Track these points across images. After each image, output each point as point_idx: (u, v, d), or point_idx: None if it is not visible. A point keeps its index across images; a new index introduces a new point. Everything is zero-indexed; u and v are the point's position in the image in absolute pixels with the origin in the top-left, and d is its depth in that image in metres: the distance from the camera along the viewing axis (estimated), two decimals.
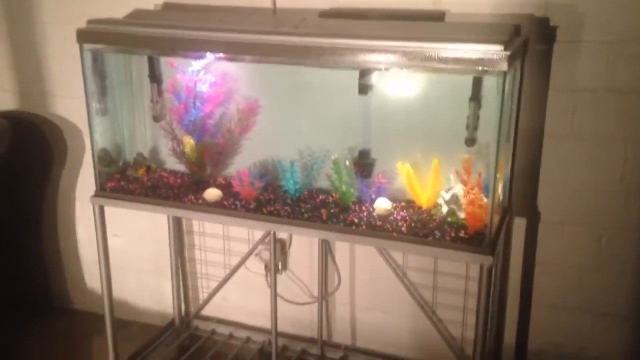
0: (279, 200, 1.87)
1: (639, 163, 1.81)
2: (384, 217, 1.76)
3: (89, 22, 1.82)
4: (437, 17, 1.84)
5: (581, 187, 1.89)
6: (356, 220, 1.74)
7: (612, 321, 1.98)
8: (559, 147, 1.88)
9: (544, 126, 1.87)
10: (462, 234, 1.65)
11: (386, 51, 1.53)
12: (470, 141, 1.73)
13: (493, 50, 1.45)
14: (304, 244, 2.26)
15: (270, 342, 2.10)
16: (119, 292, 2.51)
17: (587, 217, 1.91)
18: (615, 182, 1.85)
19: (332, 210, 1.80)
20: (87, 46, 1.87)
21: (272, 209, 1.82)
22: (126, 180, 2.01)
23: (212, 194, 1.89)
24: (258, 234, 2.27)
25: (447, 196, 1.71)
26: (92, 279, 2.63)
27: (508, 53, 1.44)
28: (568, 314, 2.01)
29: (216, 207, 1.86)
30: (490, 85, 1.57)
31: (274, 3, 1.97)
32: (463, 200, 1.67)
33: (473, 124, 1.71)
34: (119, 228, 2.49)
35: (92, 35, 1.83)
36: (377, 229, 1.71)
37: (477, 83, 1.68)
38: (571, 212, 1.92)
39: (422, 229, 1.69)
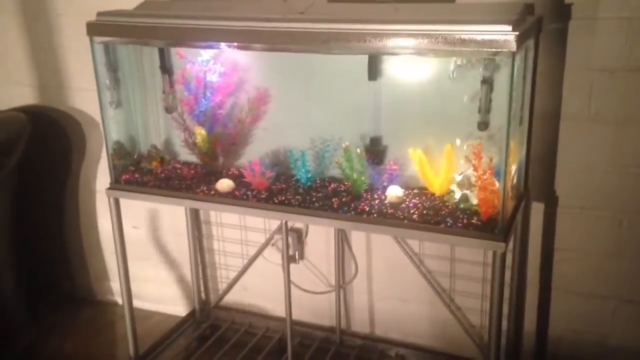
0: (290, 190, 1.86)
1: None
2: (396, 205, 1.73)
3: (99, 14, 1.83)
4: None
5: (600, 171, 1.83)
6: (367, 209, 1.72)
7: (634, 308, 1.92)
8: (577, 129, 1.82)
9: (560, 108, 1.81)
10: (474, 220, 1.61)
11: (393, 35, 1.50)
12: (483, 125, 1.69)
13: (501, 31, 1.41)
14: (320, 233, 2.25)
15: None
16: (140, 283, 2.54)
17: (607, 201, 1.85)
18: (636, 164, 1.78)
19: (343, 199, 1.78)
20: (97, 39, 1.87)
21: (283, 198, 1.81)
22: (140, 172, 2.03)
23: (224, 184, 1.89)
24: (274, 224, 2.26)
25: (459, 178, 1.68)
26: (114, 270, 2.66)
27: (517, 33, 1.39)
28: (589, 300, 1.96)
29: (228, 198, 1.86)
30: (502, 66, 1.53)
31: None
32: (475, 183, 1.63)
33: (485, 107, 1.67)
34: (139, 220, 2.51)
35: (102, 27, 1.83)
36: (389, 217, 1.68)
37: (489, 64, 1.63)
38: (590, 196, 1.86)
39: (434, 216, 1.66)
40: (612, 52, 1.72)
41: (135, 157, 2.10)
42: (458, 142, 1.72)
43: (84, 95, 2.41)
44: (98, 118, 2.42)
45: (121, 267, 2.06)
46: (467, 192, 1.68)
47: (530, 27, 1.58)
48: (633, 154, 1.78)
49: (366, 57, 1.77)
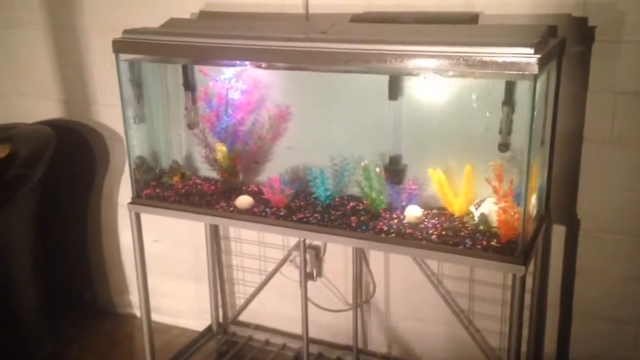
0: (309, 208, 1.86)
1: None
2: (415, 225, 1.73)
3: (125, 32, 1.86)
4: (470, 19, 1.80)
5: (623, 195, 1.80)
6: (386, 228, 1.72)
7: None
8: (599, 152, 1.80)
9: (583, 130, 1.80)
10: (494, 242, 1.60)
11: (413, 56, 1.51)
12: (504, 146, 1.68)
13: (523, 53, 1.40)
14: (338, 251, 2.25)
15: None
16: (159, 297, 2.56)
17: (629, 225, 1.82)
18: None
19: (362, 218, 1.78)
20: (123, 56, 1.91)
21: (301, 216, 1.82)
22: (162, 187, 2.05)
23: (243, 201, 1.90)
24: (293, 241, 2.27)
25: (477, 213, 1.67)
26: (134, 283, 2.68)
27: (538, 56, 1.39)
28: (610, 324, 1.93)
29: (247, 214, 1.87)
30: (524, 88, 1.53)
31: (307, 9, 1.97)
32: (493, 215, 1.62)
33: (506, 129, 1.66)
34: (160, 233, 2.53)
35: (127, 45, 1.87)
36: (407, 237, 1.68)
37: (510, 86, 1.63)
38: (612, 220, 1.84)
39: (453, 237, 1.65)
40: (636, 75, 1.71)
41: (157, 172, 2.12)
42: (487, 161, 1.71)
43: (108, 110, 2.45)
44: (122, 133, 2.46)
45: (140, 281, 2.08)
46: (487, 213, 1.67)
47: (552, 50, 1.57)
48: None
49: (387, 76, 1.78)
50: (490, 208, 1.66)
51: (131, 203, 2.00)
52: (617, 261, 1.87)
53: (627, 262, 1.86)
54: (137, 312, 2.68)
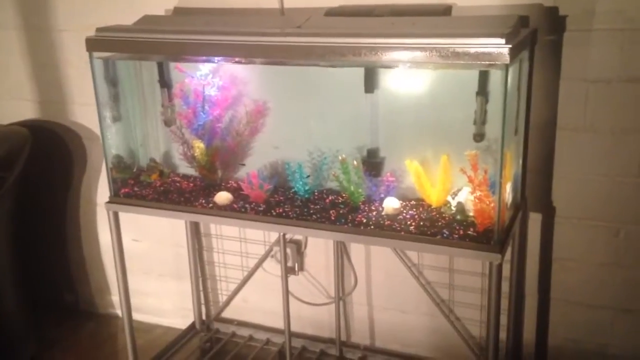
0: (288, 202, 1.87)
1: None
2: (393, 217, 1.74)
3: (98, 30, 1.85)
4: (444, 11, 1.81)
5: (596, 181, 1.83)
6: (365, 220, 1.73)
7: (633, 317, 1.92)
8: (573, 140, 1.83)
9: (556, 119, 1.83)
10: (470, 231, 1.62)
11: (388, 49, 1.51)
12: (479, 136, 1.70)
13: (494, 44, 1.42)
14: (319, 245, 2.26)
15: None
16: (141, 296, 2.55)
17: (604, 212, 1.85)
18: (632, 174, 1.79)
19: (341, 211, 1.79)
20: (97, 54, 1.90)
21: (281, 210, 1.82)
22: (140, 185, 2.04)
23: (223, 197, 1.90)
24: (274, 236, 2.27)
25: (454, 203, 1.69)
26: (115, 283, 2.66)
27: (509, 46, 1.41)
28: (588, 310, 1.96)
29: (226, 211, 1.87)
30: (497, 78, 1.54)
31: (282, 3, 1.97)
32: (470, 205, 1.64)
33: (481, 119, 1.68)
34: (140, 233, 2.52)
35: (101, 43, 1.85)
36: (386, 229, 1.69)
37: (483, 77, 1.64)
38: (587, 206, 1.87)
39: (431, 227, 1.66)
40: (607, 63, 1.74)
41: (134, 170, 2.11)
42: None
43: (85, 109, 2.43)
44: (98, 132, 2.45)
45: (121, 281, 2.07)
46: (463, 202, 1.68)
47: (524, 40, 1.59)
48: (628, 164, 1.79)
49: (363, 69, 1.79)
50: (467, 197, 1.68)
51: (109, 202, 1.99)
52: (592, 247, 1.90)
53: (603, 248, 1.89)
54: (119, 312, 2.66)
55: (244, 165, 1.99)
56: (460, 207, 1.68)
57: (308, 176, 1.87)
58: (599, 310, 1.95)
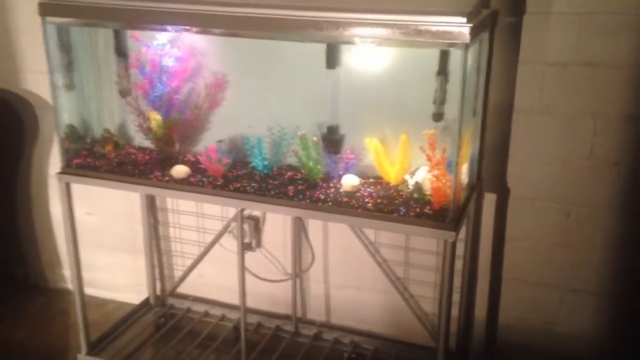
0: (246, 177, 1.85)
1: (607, 138, 1.80)
2: (351, 194, 1.74)
3: None
4: None
5: (550, 163, 1.87)
6: (323, 197, 1.73)
7: (580, 297, 1.98)
8: (529, 122, 1.86)
9: (513, 100, 1.85)
10: (427, 209, 1.63)
11: (349, 24, 1.50)
12: (438, 116, 1.71)
13: (455, 23, 1.42)
14: (277, 222, 2.25)
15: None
16: (94, 270, 2.51)
17: (556, 193, 1.90)
18: (584, 157, 1.84)
19: (299, 187, 1.78)
20: (50, 19, 1.83)
21: (239, 185, 1.80)
22: (93, 156, 1.99)
23: (179, 170, 1.87)
24: (232, 212, 2.25)
25: (412, 182, 1.70)
26: (67, 257, 2.62)
27: (470, 25, 1.41)
28: (537, 289, 2.01)
29: (183, 184, 1.84)
30: (457, 58, 1.55)
31: None
32: (427, 184, 1.65)
33: (440, 99, 1.69)
34: (93, 206, 2.47)
35: (55, 8, 1.79)
36: (343, 206, 1.69)
37: (444, 56, 1.65)
38: (540, 187, 1.91)
39: (388, 205, 1.67)
40: (564, 46, 1.76)
41: (88, 141, 2.06)
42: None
43: (37, 77, 2.35)
44: (51, 101, 2.37)
45: (72, 254, 2.02)
46: (420, 181, 1.70)
47: (485, 20, 1.60)
48: (580, 146, 1.83)
49: (325, 45, 1.77)
50: (424, 176, 1.69)
51: (60, 173, 1.93)
52: (544, 228, 1.95)
53: (554, 229, 1.94)
54: (71, 287, 2.61)
55: (221, 142, 1.94)
56: (418, 186, 1.69)
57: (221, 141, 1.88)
58: (548, 289, 2.01)
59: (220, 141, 1.93)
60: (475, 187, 1.86)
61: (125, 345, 2.25)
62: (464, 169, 1.72)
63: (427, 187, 1.67)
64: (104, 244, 2.53)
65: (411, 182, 1.72)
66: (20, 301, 2.59)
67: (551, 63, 1.78)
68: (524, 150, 1.89)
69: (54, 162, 2.46)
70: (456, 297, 1.88)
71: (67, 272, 2.62)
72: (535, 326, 2.06)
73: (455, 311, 1.90)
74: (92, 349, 2.15)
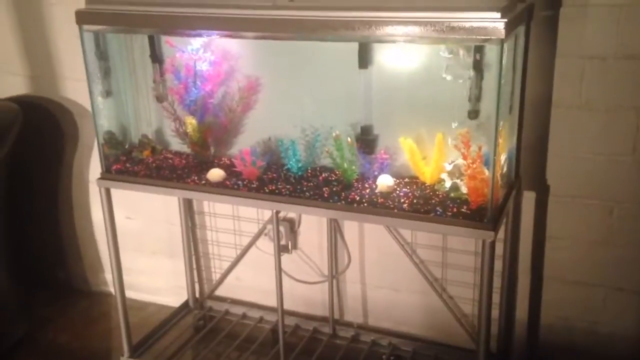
0: (281, 179, 1.86)
1: None
2: (386, 194, 1.73)
3: (88, 2, 1.82)
4: None
5: (591, 159, 1.82)
6: (358, 198, 1.72)
7: (624, 296, 1.92)
8: (568, 118, 1.81)
9: (551, 96, 1.81)
10: (464, 209, 1.61)
11: (381, 23, 1.49)
12: (473, 113, 1.68)
13: (490, 18, 1.40)
14: (313, 223, 2.25)
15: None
16: (134, 274, 2.55)
17: (598, 190, 1.85)
18: (627, 153, 1.78)
19: (334, 188, 1.78)
20: (87, 27, 1.87)
21: (273, 187, 1.81)
22: (132, 162, 2.02)
23: (215, 174, 1.88)
24: (267, 214, 2.26)
25: (450, 167, 1.67)
26: (108, 261, 2.66)
27: (505, 20, 1.39)
28: (580, 288, 1.96)
29: (219, 188, 1.85)
30: (493, 54, 1.52)
31: None
32: (465, 171, 1.63)
33: (475, 96, 1.66)
34: (132, 210, 2.51)
35: (91, 16, 1.82)
36: (379, 206, 1.68)
37: (479, 52, 1.62)
38: (581, 184, 1.86)
39: (424, 205, 1.65)
40: (603, 39, 1.72)
41: (126, 146, 2.09)
42: (454, 125, 1.70)
43: (76, 85, 2.40)
44: (90, 108, 2.42)
45: (113, 258, 2.06)
46: (458, 180, 1.67)
47: (520, 14, 1.57)
48: (623, 142, 1.78)
49: (357, 45, 1.76)
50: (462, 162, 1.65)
51: (100, 178, 1.97)
52: (586, 226, 1.90)
53: (596, 227, 1.89)
54: (112, 290, 2.66)
55: (227, 134, 1.96)
56: (455, 185, 1.67)
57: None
58: (591, 288, 1.95)
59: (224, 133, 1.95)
60: (514, 185, 1.82)
61: (165, 347, 2.28)
62: (502, 166, 1.68)
63: (463, 174, 1.64)
64: (143, 247, 2.57)
65: (449, 171, 1.69)
66: (64, 305, 2.65)
67: (590, 56, 1.74)
68: (564, 146, 1.84)
69: (94, 168, 2.51)
70: (496, 297, 1.85)
71: (108, 275, 2.67)
72: (579, 326, 2.00)
73: (495, 312, 1.87)
74: (134, 351, 2.18)
